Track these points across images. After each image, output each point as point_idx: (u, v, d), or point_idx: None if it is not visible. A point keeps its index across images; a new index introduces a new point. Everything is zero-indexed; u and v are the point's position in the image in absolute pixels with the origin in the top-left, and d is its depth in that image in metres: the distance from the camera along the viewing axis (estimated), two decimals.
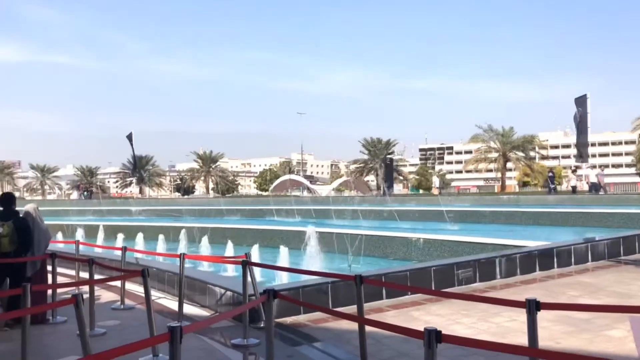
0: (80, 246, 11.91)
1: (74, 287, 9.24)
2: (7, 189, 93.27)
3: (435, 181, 52.72)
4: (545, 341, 5.56)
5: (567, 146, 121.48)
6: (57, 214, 33.04)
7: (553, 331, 5.99)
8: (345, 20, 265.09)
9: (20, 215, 7.45)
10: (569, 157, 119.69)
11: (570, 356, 2.66)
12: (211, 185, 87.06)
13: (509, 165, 64.81)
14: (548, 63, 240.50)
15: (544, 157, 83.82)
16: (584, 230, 17.08)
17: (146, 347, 3.26)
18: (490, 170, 68.32)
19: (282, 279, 11.02)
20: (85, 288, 7.76)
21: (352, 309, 6.03)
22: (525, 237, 13.60)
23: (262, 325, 6.38)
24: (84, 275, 9.17)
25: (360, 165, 78.07)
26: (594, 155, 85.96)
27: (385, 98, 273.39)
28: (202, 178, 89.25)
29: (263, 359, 5.41)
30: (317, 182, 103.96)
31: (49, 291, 8.01)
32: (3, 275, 7.04)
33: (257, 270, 11.47)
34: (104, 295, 9.30)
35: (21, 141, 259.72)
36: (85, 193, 60.02)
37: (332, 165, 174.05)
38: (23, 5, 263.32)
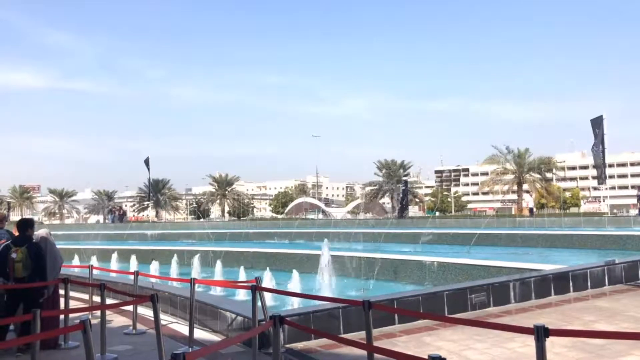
0: (95, 270, 12.00)
1: (86, 312, 9.28)
2: (27, 213, 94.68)
3: (529, 201, 41.45)
4: None
5: (585, 167, 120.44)
6: (74, 238, 33.38)
7: (567, 357, 5.88)
8: (361, 43, 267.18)
9: (34, 241, 7.53)
10: (586, 178, 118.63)
11: None
12: (227, 209, 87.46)
13: (526, 187, 64.26)
14: (565, 84, 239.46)
15: (560, 179, 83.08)
16: (602, 253, 16.82)
17: None
18: (506, 192, 67.81)
19: (296, 304, 10.97)
20: (98, 313, 7.80)
21: (364, 334, 5.98)
22: (541, 261, 13.43)
23: (271, 350, 6.34)
24: (98, 299, 9.21)
25: (375, 187, 78.00)
26: (612, 177, 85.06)
27: (400, 120, 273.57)
28: (218, 201, 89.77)
29: None
30: (332, 205, 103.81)
31: (62, 316, 8.06)
32: (17, 301, 7.11)
33: (270, 295, 11.50)
34: (117, 320, 9.34)
35: (41, 166, 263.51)
36: (113, 216, 60.92)
37: (347, 187, 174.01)
38: (42, 30, 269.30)
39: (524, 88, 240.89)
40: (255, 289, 6.53)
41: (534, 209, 32.85)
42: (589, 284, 10.08)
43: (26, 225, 7.60)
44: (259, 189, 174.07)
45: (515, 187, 62.64)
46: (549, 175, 66.76)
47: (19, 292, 7.14)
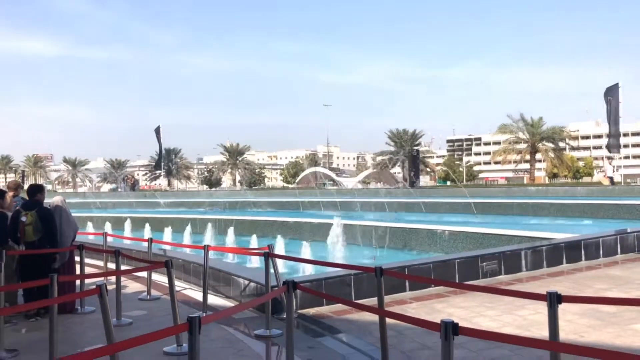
0: (109, 238, 12.16)
1: (101, 278, 9.43)
2: (40, 181, 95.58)
3: (608, 169, 33.20)
4: (569, 335, 5.50)
5: (599, 136, 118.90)
6: (86, 206, 33.75)
7: (578, 325, 5.90)
8: (373, 10, 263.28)
9: (45, 206, 7.62)
10: (600, 147, 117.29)
11: (590, 350, 2.62)
12: (238, 178, 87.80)
13: (538, 156, 63.76)
14: (581, 52, 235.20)
15: (574, 148, 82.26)
16: (614, 222, 16.73)
17: (166, 337, 3.32)
18: (519, 162, 67.38)
19: (308, 271, 11.06)
20: (113, 279, 7.92)
21: (374, 301, 6.03)
22: (553, 230, 13.39)
23: (284, 316, 6.42)
24: (112, 266, 9.35)
25: (386, 157, 77.79)
26: (626, 146, 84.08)
27: (413, 89, 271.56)
28: (229, 170, 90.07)
29: (285, 350, 5.46)
30: (343, 175, 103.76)
31: (77, 282, 8.20)
32: (30, 266, 7.18)
33: (282, 262, 11.59)
34: (131, 286, 9.48)
35: (54, 134, 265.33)
36: (125, 184, 61.79)
37: (358, 157, 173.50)
38: None
39: (539, 56, 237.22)
40: (268, 255, 6.58)
41: (613, 178, 31.67)
42: (601, 252, 10.07)
43: (36, 190, 7.69)
44: (270, 159, 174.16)
45: (527, 157, 62.17)
46: (561, 144, 66.16)
47: (32, 257, 7.25)
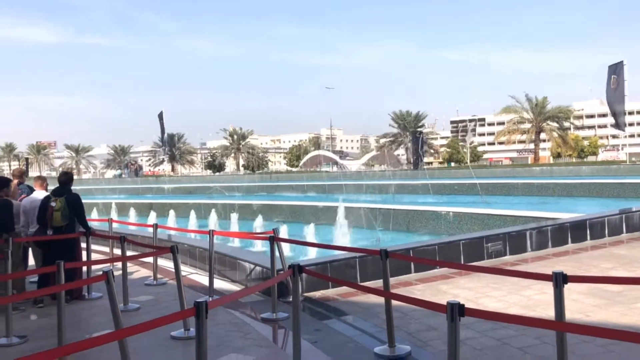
0: (114, 223, 12.20)
1: (107, 264, 9.49)
2: (44, 168, 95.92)
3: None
4: (574, 314, 5.51)
5: (604, 115, 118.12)
6: (92, 192, 33.85)
7: (584, 304, 5.91)
8: None
9: (73, 192, 7.73)
10: (605, 126, 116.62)
11: (596, 329, 2.62)
12: (241, 162, 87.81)
13: (543, 136, 63.47)
14: (584, 30, 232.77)
15: (578, 128, 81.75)
16: (619, 201, 16.69)
17: (173, 322, 3.34)
18: (523, 142, 67.11)
19: (313, 255, 11.10)
20: (119, 265, 7.96)
21: (380, 283, 6.05)
22: (558, 210, 13.37)
23: (290, 299, 6.45)
24: (118, 252, 9.40)
25: (390, 139, 77.58)
26: (631, 124, 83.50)
27: (416, 70, 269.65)
28: (233, 155, 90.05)
29: (292, 332, 5.49)
30: (347, 157, 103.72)
31: (84, 268, 8.25)
32: (57, 251, 7.20)
33: (287, 246, 11.63)
34: (137, 272, 9.54)
35: (56, 123, 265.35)
36: (128, 170, 62.21)
37: (361, 139, 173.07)
38: None
39: (540, 37, 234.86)
40: (273, 239, 6.60)
41: None
42: (606, 232, 10.05)
43: (68, 178, 7.90)
44: (273, 143, 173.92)
45: (532, 137, 61.90)
46: (566, 124, 65.82)
47: (61, 241, 7.36)
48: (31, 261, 8.18)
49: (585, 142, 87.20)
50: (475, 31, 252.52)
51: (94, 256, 9.37)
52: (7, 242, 6.64)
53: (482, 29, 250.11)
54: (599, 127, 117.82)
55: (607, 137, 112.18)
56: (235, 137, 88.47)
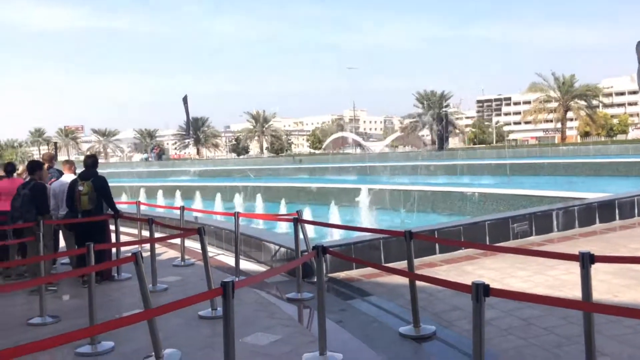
0: (142, 206, 12.40)
1: (136, 246, 9.67)
2: (72, 152, 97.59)
3: None
4: (603, 294, 5.45)
5: (634, 92, 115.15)
6: (120, 175, 34.40)
7: (612, 284, 5.85)
8: None
9: (100, 175, 7.86)
10: (635, 104, 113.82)
11: (624, 309, 2.60)
12: (265, 145, 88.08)
13: (570, 115, 62.24)
14: (614, 4, 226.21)
15: (607, 105, 79.81)
16: None
17: (200, 302, 3.40)
18: (550, 121, 65.89)
19: (337, 237, 11.15)
20: (147, 247, 8.11)
21: (404, 264, 6.06)
22: (585, 189, 13.17)
23: (315, 279, 6.51)
24: (146, 234, 9.56)
25: (414, 119, 76.81)
26: None
27: (440, 49, 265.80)
28: (256, 138, 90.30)
29: (317, 312, 5.55)
30: (371, 139, 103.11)
31: (113, 249, 8.42)
32: (88, 232, 7.36)
33: (309, 229, 11.68)
34: (165, 253, 9.70)
35: (84, 106, 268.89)
36: (154, 154, 63.02)
37: (385, 120, 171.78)
38: None
39: (570, 11, 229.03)
40: (297, 221, 6.65)
41: None
42: (635, 212, 9.89)
43: (94, 162, 8.04)
44: (296, 125, 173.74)
45: (559, 116, 60.75)
46: (594, 102, 64.34)
47: (91, 224, 7.54)
48: (62, 243, 8.39)
49: (615, 120, 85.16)
50: (501, 8, 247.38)
51: (123, 238, 9.55)
52: (38, 225, 6.81)
53: (508, 6, 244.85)
54: (629, 104, 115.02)
55: (638, 115, 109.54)
56: (258, 119, 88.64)
